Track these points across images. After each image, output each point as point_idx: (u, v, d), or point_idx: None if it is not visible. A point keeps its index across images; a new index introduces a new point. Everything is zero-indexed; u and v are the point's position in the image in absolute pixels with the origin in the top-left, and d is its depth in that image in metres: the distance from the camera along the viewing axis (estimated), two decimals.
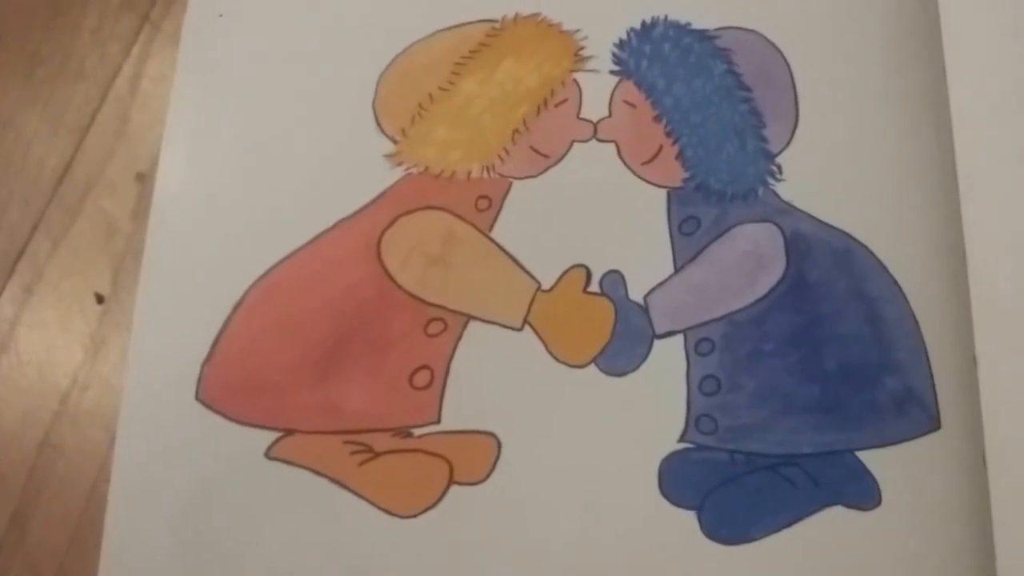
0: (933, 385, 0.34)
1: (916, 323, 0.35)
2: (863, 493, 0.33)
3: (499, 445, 0.34)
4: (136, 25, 0.41)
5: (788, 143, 0.37)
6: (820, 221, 0.36)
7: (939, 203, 0.37)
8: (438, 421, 0.35)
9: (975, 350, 0.35)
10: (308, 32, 0.39)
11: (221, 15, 0.39)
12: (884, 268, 0.35)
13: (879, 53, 0.38)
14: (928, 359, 0.35)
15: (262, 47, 0.39)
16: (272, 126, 0.38)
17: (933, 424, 0.34)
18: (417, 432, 0.35)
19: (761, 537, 0.33)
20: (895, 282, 0.35)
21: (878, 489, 0.33)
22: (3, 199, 0.39)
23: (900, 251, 0.36)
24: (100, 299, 0.38)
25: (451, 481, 0.34)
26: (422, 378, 0.35)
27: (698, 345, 0.35)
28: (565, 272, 0.36)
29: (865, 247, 0.36)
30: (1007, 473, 0.34)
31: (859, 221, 0.36)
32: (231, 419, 0.35)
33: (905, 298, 0.35)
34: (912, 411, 0.34)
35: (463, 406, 0.35)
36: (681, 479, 0.34)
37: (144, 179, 0.39)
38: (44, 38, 0.41)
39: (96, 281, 0.38)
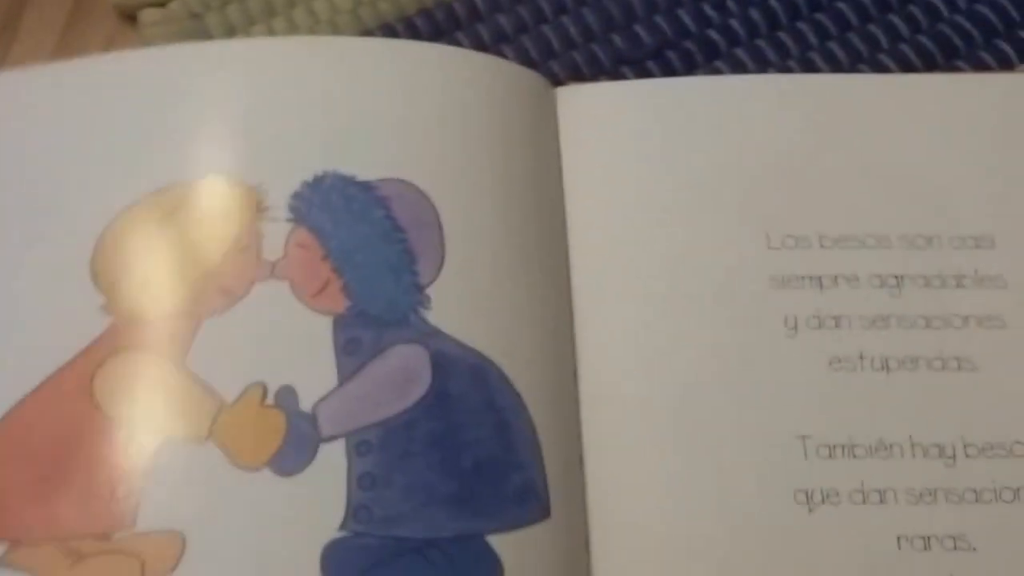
0: (546, 481, 0.42)
1: (534, 430, 0.42)
2: (489, 571, 0.40)
3: (184, 541, 0.40)
4: None
5: (436, 277, 0.44)
6: (461, 343, 0.43)
7: (558, 334, 0.45)
8: (135, 524, 0.40)
9: (582, 453, 0.43)
10: (40, 204, 0.46)
11: None
12: (511, 383, 0.43)
13: (511, 204, 0.46)
14: (543, 459, 0.42)
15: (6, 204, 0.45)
16: (7, 285, 0.44)
17: (545, 513, 0.42)
18: (116, 536, 0.41)
19: None
20: (519, 395, 0.43)
21: (501, 567, 0.40)
22: None
23: (524, 370, 0.43)
24: None
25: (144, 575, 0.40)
26: (122, 490, 0.41)
27: (358, 447, 0.41)
28: (245, 389, 0.42)
29: (497, 366, 0.43)
30: (605, 556, 0.42)
31: (493, 344, 0.43)
32: None
33: (526, 408, 0.43)
34: (530, 502, 0.41)
35: (156, 510, 0.41)
36: (340, 562, 0.40)
37: None
38: None
39: None
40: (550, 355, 0.45)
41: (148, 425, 0.42)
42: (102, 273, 0.44)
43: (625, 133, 0.50)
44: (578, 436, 0.44)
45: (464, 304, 0.44)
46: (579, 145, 0.49)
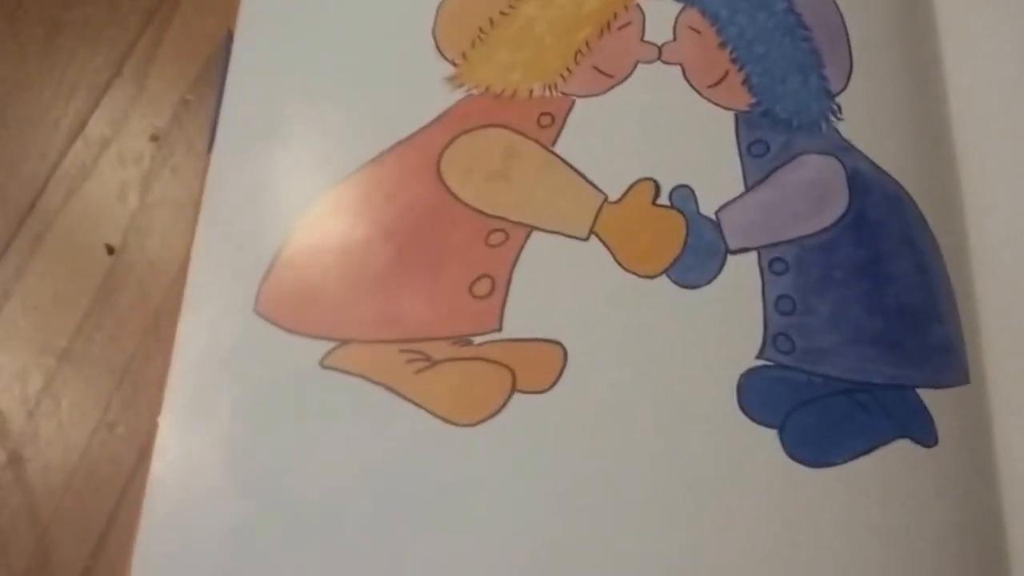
0: (963, 341, 0.34)
1: (949, 278, 0.34)
2: (925, 430, 0.32)
3: (565, 354, 0.32)
4: None
5: (845, 87, 0.36)
6: (876, 165, 0.35)
7: (951, 172, 0.37)
8: (499, 329, 0.32)
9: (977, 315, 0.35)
10: None
11: None
12: (927, 221, 0.35)
13: (912, 20, 0.38)
14: (959, 315, 0.34)
15: None
16: (336, 54, 0.37)
17: (965, 377, 0.33)
18: (477, 340, 0.32)
19: (842, 462, 0.31)
20: (934, 237, 0.35)
21: (934, 427, 0.32)
22: (19, 152, 0.39)
23: (940, 213, 0.35)
24: (110, 250, 0.37)
25: (514, 389, 0.31)
26: (483, 287, 0.32)
27: (772, 264, 0.33)
28: (633, 184, 0.34)
29: (912, 198, 0.35)
30: (1013, 431, 0.33)
31: (906, 173, 0.36)
32: (287, 330, 0.32)
33: (941, 254, 0.35)
34: (952, 361, 0.33)
35: (527, 314, 0.32)
36: (761, 395, 0.32)
37: (158, 140, 0.39)
38: (64, 7, 0.42)
39: (106, 234, 0.37)
40: (953, 194, 0.36)
41: (511, 214, 0.33)
42: (449, 38, 0.36)
43: None
44: (974, 293, 0.35)
45: (877, 123, 0.36)
46: None
